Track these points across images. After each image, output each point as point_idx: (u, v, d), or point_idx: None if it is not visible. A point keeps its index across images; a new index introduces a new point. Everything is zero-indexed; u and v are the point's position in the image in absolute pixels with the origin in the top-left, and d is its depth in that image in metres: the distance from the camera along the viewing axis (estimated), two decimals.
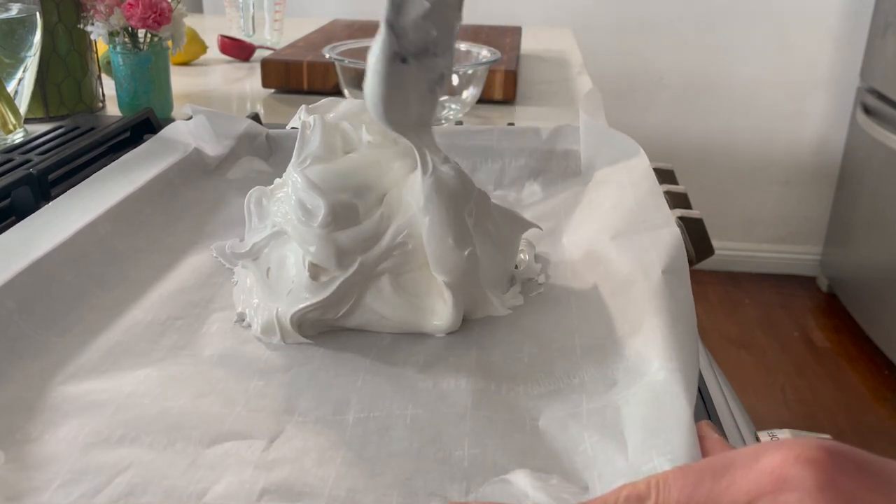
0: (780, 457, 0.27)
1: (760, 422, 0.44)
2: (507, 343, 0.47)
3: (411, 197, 0.48)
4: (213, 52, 1.27)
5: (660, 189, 0.58)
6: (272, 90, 1.07)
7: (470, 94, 0.91)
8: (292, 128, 0.77)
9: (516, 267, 0.54)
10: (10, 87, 0.82)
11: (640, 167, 0.61)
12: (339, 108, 0.53)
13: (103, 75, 0.99)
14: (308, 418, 0.40)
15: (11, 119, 0.80)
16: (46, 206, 0.56)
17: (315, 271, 0.47)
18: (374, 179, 0.49)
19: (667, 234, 0.50)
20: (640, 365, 0.40)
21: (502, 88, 1.01)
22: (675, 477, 0.28)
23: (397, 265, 0.48)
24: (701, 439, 0.34)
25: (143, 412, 0.40)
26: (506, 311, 0.50)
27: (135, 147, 0.68)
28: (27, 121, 0.86)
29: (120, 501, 0.34)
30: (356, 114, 0.52)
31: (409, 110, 0.45)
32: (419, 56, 0.44)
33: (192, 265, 0.56)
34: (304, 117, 0.51)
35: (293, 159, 0.50)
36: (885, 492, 0.26)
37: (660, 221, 0.52)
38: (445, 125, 0.89)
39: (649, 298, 0.44)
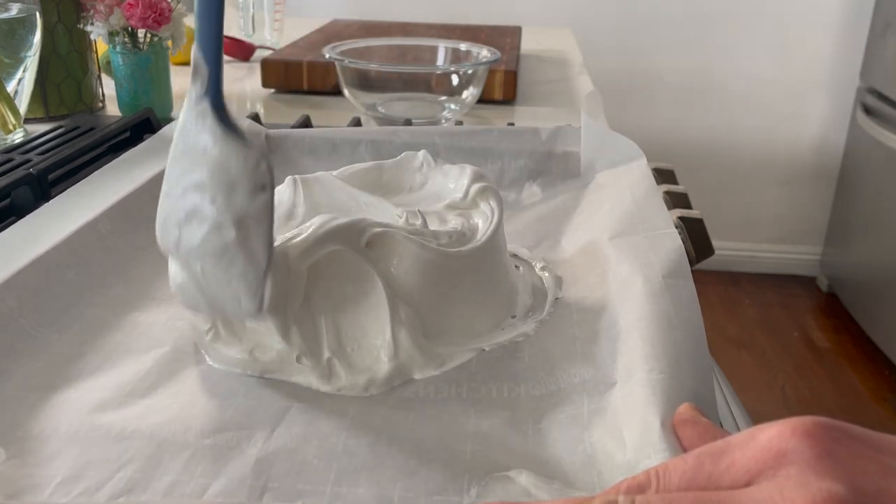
0: (776, 432, 0.27)
1: (760, 422, 0.44)
2: (508, 343, 0.47)
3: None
4: None
5: (658, 191, 0.58)
6: (272, 90, 1.07)
7: (470, 94, 0.91)
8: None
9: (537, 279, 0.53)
10: (10, 87, 0.82)
11: (638, 169, 0.61)
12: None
13: (103, 75, 0.99)
14: (309, 413, 0.40)
15: (11, 119, 0.80)
16: (47, 204, 0.57)
17: None
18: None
19: (666, 237, 0.50)
20: (639, 365, 0.40)
21: (502, 88, 1.01)
22: (675, 464, 0.29)
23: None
24: (689, 424, 0.34)
25: (143, 409, 0.40)
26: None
27: (135, 147, 0.68)
28: (27, 121, 0.86)
29: (121, 499, 0.34)
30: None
31: None
32: None
33: None
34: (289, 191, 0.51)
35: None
36: (878, 458, 0.26)
37: (659, 223, 0.52)
38: (445, 125, 0.89)
39: (649, 300, 0.44)
